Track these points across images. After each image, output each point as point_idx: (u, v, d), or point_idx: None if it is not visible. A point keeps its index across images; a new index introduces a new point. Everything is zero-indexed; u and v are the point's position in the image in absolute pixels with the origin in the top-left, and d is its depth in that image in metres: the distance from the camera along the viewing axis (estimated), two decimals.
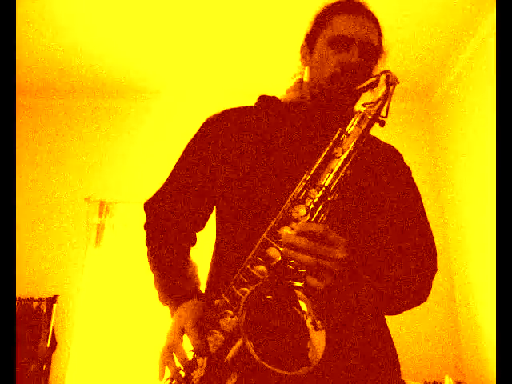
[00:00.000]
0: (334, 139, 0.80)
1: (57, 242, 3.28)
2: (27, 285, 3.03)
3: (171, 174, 1.04)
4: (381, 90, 0.80)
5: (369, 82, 0.83)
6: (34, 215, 3.35)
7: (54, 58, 3.21)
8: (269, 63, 3.18)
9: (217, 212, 1.01)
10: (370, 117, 0.79)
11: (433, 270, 0.92)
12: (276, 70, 3.10)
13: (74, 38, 3.00)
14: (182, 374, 0.72)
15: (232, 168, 0.94)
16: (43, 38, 3.01)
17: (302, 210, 0.76)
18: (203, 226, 1.05)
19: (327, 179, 0.77)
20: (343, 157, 0.78)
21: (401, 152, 1.06)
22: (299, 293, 0.69)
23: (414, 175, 1.03)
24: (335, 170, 0.77)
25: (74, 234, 3.29)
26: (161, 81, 3.46)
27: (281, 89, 1.08)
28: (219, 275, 0.92)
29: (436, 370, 2.82)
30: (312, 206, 0.76)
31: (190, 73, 3.37)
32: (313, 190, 0.77)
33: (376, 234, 0.92)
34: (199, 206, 1.01)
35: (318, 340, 0.65)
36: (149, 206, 1.04)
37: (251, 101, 1.09)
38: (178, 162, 1.04)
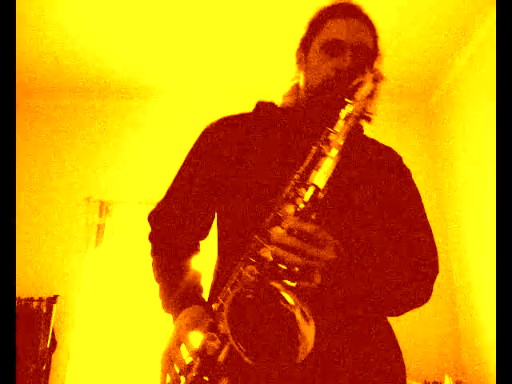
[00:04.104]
0: (321, 138, 0.81)
1: (57, 241, 3.28)
2: (27, 285, 3.03)
3: (173, 185, 1.05)
4: (367, 87, 0.81)
5: (357, 81, 0.84)
6: (34, 215, 3.35)
7: (54, 58, 3.21)
8: (268, 64, 3.18)
9: (218, 219, 1.02)
10: (356, 114, 0.80)
11: (434, 272, 0.92)
12: (276, 70, 3.10)
13: (75, 39, 3.00)
14: (183, 378, 0.74)
15: (230, 176, 0.96)
16: (43, 39, 3.01)
17: (291, 209, 0.76)
18: (207, 235, 1.06)
19: (314, 177, 0.78)
20: (330, 154, 0.78)
21: (400, 153, 1.06)
22: (282, 288, 0.69)
23: (413, 176, 1.03)
24: (323, 167, 0.78)
25: (74, 234, 3.29)
26: (161, 81, 3.46)
27: (280, 90, 1.08)
28: (220, 279, 0.92)
29: (436, 370, 2.81)
30: (302, 204, 0.76)
31: (189, 73, 3.37)
32: (302, 189, 0.77)
33: (375, 235, 0.92)
34: (201, 215, 1.02)
35: (308, 331, 0.66)
36: (152, 218, 1.05)
37: (250, 102, 1.09)
38: (179, 172, 1.05)
